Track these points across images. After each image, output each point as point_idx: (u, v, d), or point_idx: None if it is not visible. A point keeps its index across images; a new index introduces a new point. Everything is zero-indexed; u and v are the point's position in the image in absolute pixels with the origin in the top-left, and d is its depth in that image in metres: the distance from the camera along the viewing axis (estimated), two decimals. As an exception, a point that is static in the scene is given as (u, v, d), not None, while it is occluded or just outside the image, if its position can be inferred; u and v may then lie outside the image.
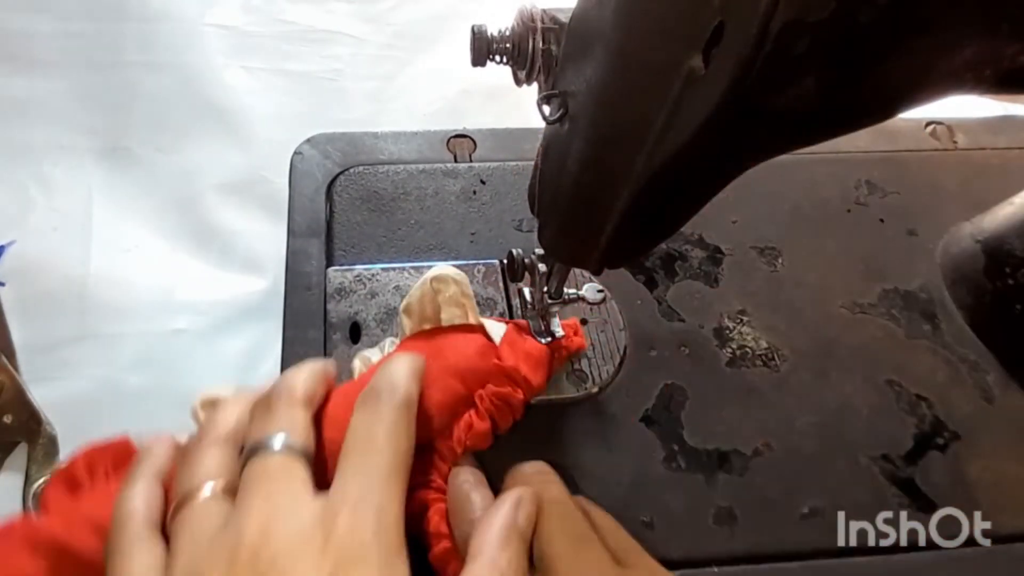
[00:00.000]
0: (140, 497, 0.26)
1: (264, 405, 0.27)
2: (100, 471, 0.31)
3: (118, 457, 0.31)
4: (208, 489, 0.25)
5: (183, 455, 0.27)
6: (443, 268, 0.36)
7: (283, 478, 0.24)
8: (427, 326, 0.37)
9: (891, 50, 0.17)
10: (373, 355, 0.38)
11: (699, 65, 0.19)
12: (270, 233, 0.49)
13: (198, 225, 0.51)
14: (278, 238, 0.46)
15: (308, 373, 0.29)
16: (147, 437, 0.30)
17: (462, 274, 0.37)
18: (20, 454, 0.40)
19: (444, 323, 0.36)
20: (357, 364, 0.38)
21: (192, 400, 0.32)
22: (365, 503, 0.23)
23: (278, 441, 0.25)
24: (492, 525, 0.27)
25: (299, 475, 0.25)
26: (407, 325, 0.37)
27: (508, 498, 0.29)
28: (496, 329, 0.38)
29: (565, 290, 0.39)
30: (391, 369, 0.29)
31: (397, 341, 0.38)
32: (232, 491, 0.25)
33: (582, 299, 0.40)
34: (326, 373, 0.31)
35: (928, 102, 0.19)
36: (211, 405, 0.32)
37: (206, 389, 0.32)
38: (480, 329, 0.37)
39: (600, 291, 0.42)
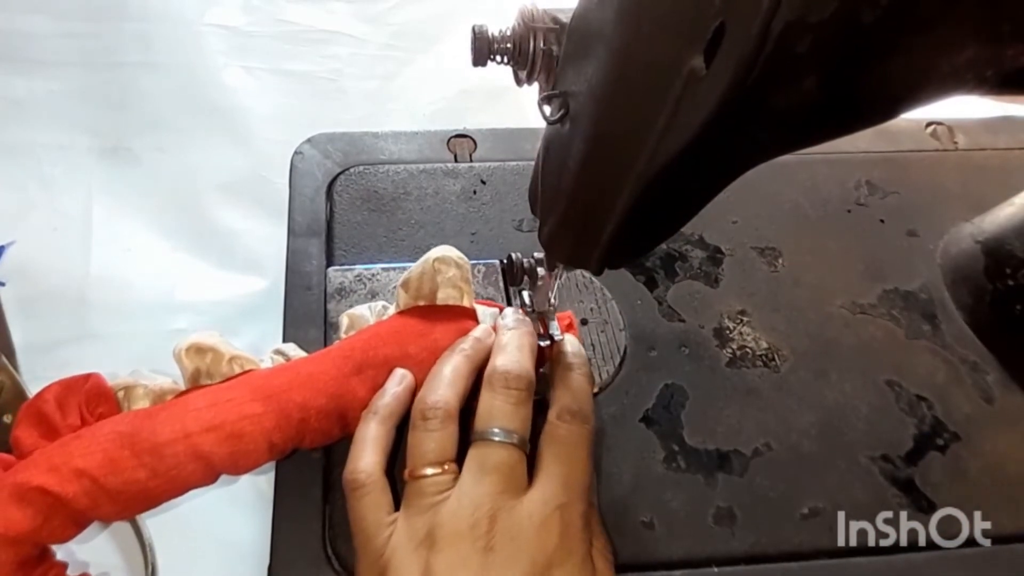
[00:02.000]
0: (374, 443, 0.31)
1: (491, 389, 0.32)
2: (73, 410, 0.31)
3: (91, 397, 0.32)
4: (436, 468, 0.29)
5: (414, 427, 0.31)
6: (447, 249, 0.37)
7: (509, 468, 0.29)
8: (422, 303, 0.37)
9: (892, 50, 0.17)
10: (363, 312, 0.38)
11: (700, 65, 0.19)
12: (270, 233, 0.49)
13: (198, 225, 0.51)
14: (278, 238, 0.46)
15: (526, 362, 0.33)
16: (132, 376, 0.33)
17: (464, 258, 0.37)
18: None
19: (439, 303, 0.37)
20: (344, 321, 0.38)
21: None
22: (571, 508, 0.28)
23: (500, 432, 0.30)
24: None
25: (520, 468, 0.30)
26: (402, 299, 0.37)
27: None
28: (487, 314, 0.38)
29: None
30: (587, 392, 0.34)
31: (391, 309, 0.38)
32: (455, 469, 0.30)
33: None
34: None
35: (929, 102, 0.19)
36: (195, 352, 0.34)
37: (192, 336, 0.34)
38: (473, 313, 0.37)
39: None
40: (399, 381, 0.34)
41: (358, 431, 0.32)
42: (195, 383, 0.34)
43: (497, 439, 0.30)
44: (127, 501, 0.30)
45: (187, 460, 0.30)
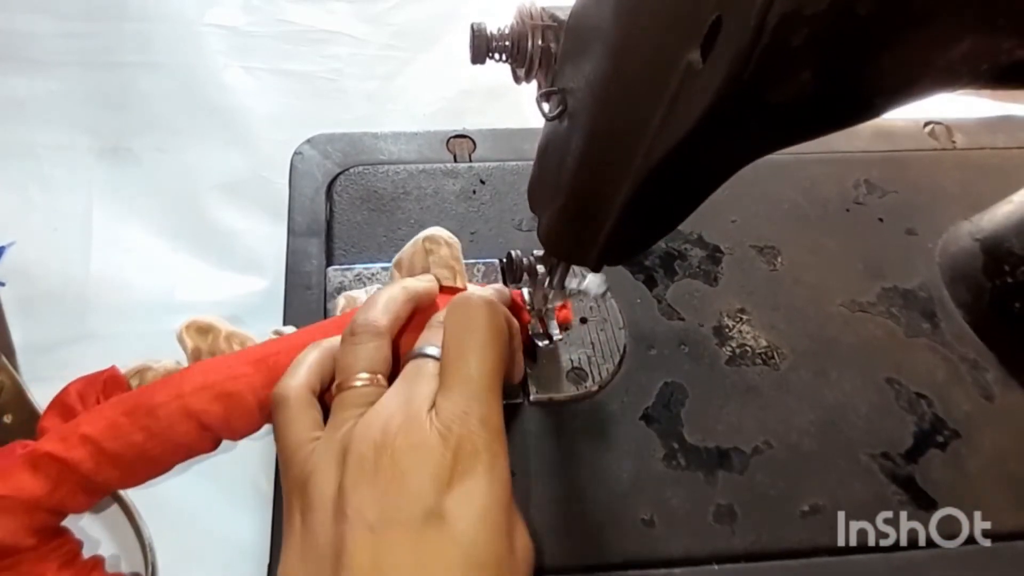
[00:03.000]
0: (310, 365, 0.30)
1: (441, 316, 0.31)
2: (92, 399, 0.32)
3: (108, 386, 0.33)
4: (364, 378, 0.29)
5: (343, 342, 0.31)
6: (437, 229, 0.37)
7: (431, 379, 0.28)
8: None
9: (888, 44, 0.17)
10: (359, 295, 0.38)
11: (697, 59, 0.19)
12: (270, 233, 0.49)
13: (198, 225, 0.51)
14: (278, 238, 0.46)
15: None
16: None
17: (454, 238, 0.37)
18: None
19: None
20: (341, 302, 0.38)
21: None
22: (476, 413, 0.27)
23: (435, 350, 0.29)
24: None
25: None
26: (396, 279, 0.37)
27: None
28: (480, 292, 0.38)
29: (568, 284, 0.39)
30: (471, 294, 0.32)
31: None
32: (384, 382, 0.29)
33: (584, 293, 0.40)
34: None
35: (925, 96, 0.19)
36: (196, 331, 0.35)
37: (194, 317, 0.35)
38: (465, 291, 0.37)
39: (603, 284, 0.41)
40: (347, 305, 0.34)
41: (294, 361, 0.31)
42: (197, 359, 0.34)
43: (430, 354, 0.29)
44: (128, 465, 0.30)
45: (179, 419, 0.31)
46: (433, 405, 0.27)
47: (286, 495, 0.28)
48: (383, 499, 0.25)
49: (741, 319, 0.43)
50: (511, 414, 0.38)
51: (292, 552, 0.26)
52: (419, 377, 0.28)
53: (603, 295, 0.42)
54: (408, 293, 0.33)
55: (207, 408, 0.31)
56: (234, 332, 0.35)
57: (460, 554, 0.25)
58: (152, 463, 0.31)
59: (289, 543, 0.27)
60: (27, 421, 0.40)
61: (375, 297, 0.32)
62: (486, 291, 0.37)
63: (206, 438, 0.32)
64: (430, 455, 0.26)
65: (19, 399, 0.41)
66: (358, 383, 0.29)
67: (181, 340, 0.35)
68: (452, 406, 0.27)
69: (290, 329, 0.38)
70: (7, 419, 0.40)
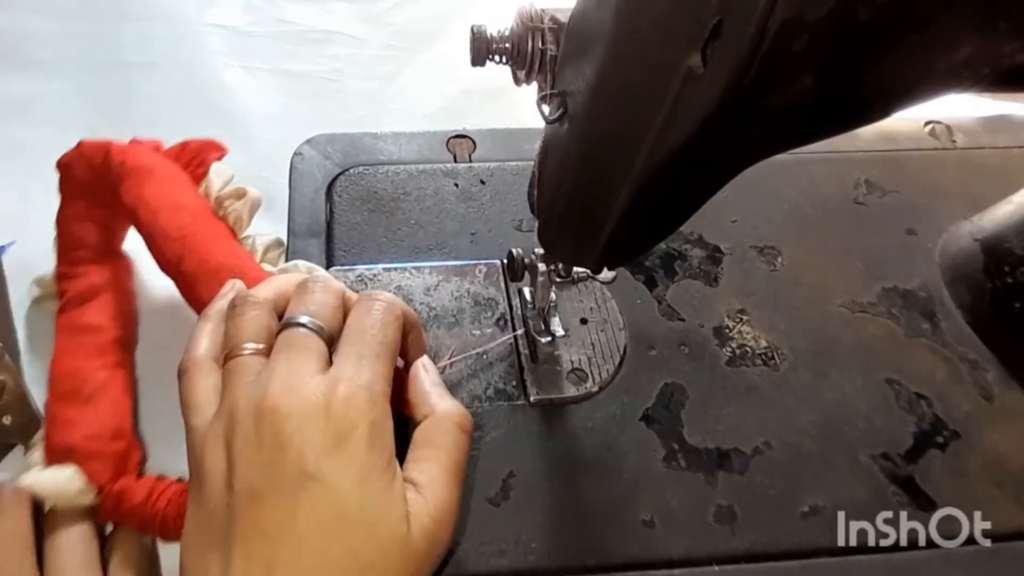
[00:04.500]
0: (207, 335, 0.31)
1: (303, 288, 0.32)
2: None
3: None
4: (250, 347, 0.30)
5: (229, 314, 0.31)
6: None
7: (305, 349, 0.29)
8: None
9: (889, 48, 0.17)
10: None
11: (698, 64, 0.19)
12: (270, 233, 0.49)
13: (198, 225, 0.51)
14: (278, 238, 0.46)
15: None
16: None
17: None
18: (17, 455, 0.40)
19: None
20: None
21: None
22: (358, 379, 0.28)
23: (307, 319, 0.30)
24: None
25: (318, 350, 0.29)
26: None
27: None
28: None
29: (575, 270, 0.39)
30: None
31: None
32: (266, 352, 0.30)
33: (592, 278, 0.40)
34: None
35: (926, 100, 0.19)
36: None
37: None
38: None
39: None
40: (231, 287, 0.34)
41: (193, 331, 0.32)
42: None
43: (302, 323, 0.30)
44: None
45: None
46: (318, 374, 0.28)
47: (190, 465, 0.29)
48: (265, 468, 0.26)
49: (741, 319, 0.43)
50: (512, 414, 0.38)
51: (192, 523, 0.27)
52: (295, 347, 0.29)
53: (612, 281, 0.43)
54: (289, 281, 0.34)
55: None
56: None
57: (335, 512, 0.26)
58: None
59: (190, 514, 0.28)
60: (26, 424, 0.40)
61: (265, 281, 0.34)
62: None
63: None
64: (311, 422, 0.26)
65: (20, 401, 0.41)
66: (245, 351, 0.30)
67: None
68: (339, 374, 0.28)
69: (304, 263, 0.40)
70: (6, 420, 0.40)
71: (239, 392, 0.28)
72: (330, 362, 0.30)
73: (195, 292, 0.36)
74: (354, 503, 0.26)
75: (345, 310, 0.32)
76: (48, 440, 0.36)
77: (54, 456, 0.36)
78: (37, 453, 0.36)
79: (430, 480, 0.29)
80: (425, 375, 0.34)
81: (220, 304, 0.33)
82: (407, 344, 0.34)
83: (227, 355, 0.30)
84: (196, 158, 0.42)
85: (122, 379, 0.39)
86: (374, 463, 0.27)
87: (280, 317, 0.31)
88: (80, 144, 0.41)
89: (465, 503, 0.35)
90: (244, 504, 0.26)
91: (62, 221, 0.42)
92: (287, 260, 0.44)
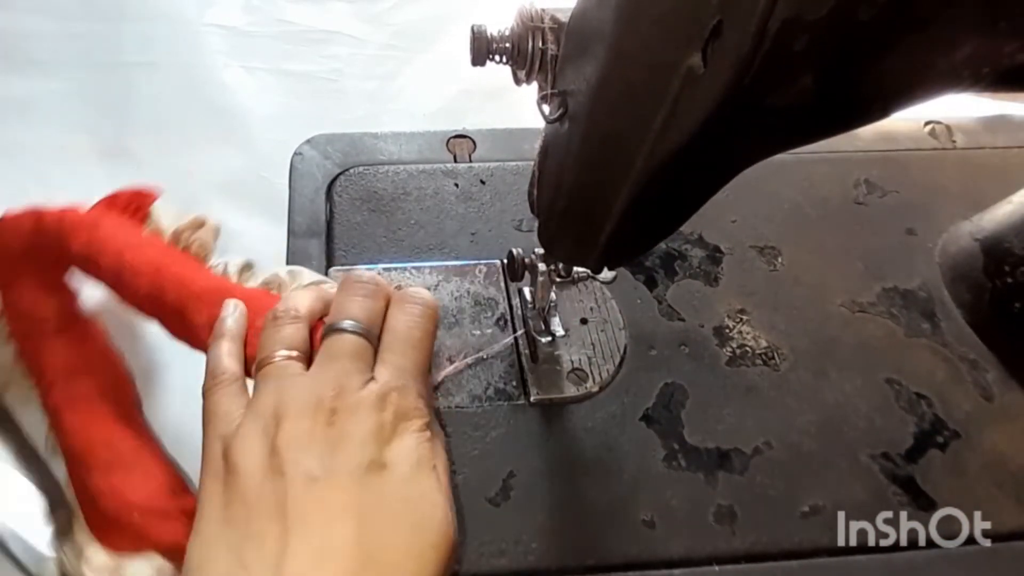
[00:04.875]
0: (226, 355, 0.32)
1: (346, 288, 0.33)
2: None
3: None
4: (283, 354, 0.30)
5: (266, 326, 0.32)
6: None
7: (352, 353, 0.30)
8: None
9: (889, 48, 0.17)
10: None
11: (698, 63, 0.19)
12: (270, 233, 0.49)
13: (198, 225, 0.51)
14: (278, 238, 0.46)
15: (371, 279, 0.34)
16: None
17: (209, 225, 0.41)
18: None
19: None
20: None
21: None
22: (403, 380, 0.30)
23: (350, 323, 0.31)
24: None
25: (365, 353, 0.30)
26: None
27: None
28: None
29: (575, 269, 0.39)
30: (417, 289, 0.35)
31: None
32: (303, 360, 0.31)
33: (593, 278, 0.40)
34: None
35: (926, 100, 0.19)
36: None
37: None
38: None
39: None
40: (234, 308, 0.34)
41: (209, 353, 0.33)
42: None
43: (347, 328, 0.31)
44: None
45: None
46: (370, 378, 0.29)
47: (204, 468, 0.29)
48: (325, 455, 0.27)
49: (741, 319, 0.43)
50: (512, 414, 0.38)
51: (211, 521, 0.27)
52: (342, 351, 0.30)
53: (612, 281, 0.43)
54: (320, 292, 0.35)
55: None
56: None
57: (401, 494, 0.27)
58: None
59: (207, 512, 0.28)
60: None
61: (296, 291, 0.35)
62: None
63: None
64: (369, 416, 0.28)
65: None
66: (278, 358, 0.30)
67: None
68: (391, 379, 0.29)
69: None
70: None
71: (283, 389, 0.29)
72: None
73: (184, 320, 0.35)
74: (415, 487, 0.27)
75: (387, 302, 0.33)
76: (99, 512, 0.34)
77: (110, 527, 0.34)
78: (81, 535, 0.35)
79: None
80: None
81: (228, 324, 0.33)
82: None
83: (260, 363, 0.31)
84: (131, 206, 0.40)
85: (151, 439, 0.38)
86: (427, 455, 0.28)
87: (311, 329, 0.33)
88: (2, 220, 0.39)
89: (465, 503, 0.35)
90: (300, 485, 0.26)
91: (9, 304, 0.39)
92: (287, 262, 0.44)
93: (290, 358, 0.30)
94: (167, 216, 0.40)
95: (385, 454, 0.27)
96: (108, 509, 0.34)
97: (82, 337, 0.39)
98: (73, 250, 0.37)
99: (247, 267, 0.40)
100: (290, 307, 0.32)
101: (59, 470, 0.37)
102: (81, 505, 0.35)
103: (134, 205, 0.40)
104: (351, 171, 0.48)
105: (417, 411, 0.29)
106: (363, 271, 0.35)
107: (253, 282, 0.40)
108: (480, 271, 0.43)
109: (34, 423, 0.39)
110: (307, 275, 0.39)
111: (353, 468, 0.27)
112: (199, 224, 0.40)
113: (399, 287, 0.35)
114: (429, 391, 0.31)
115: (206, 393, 0.31)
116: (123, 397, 0.38)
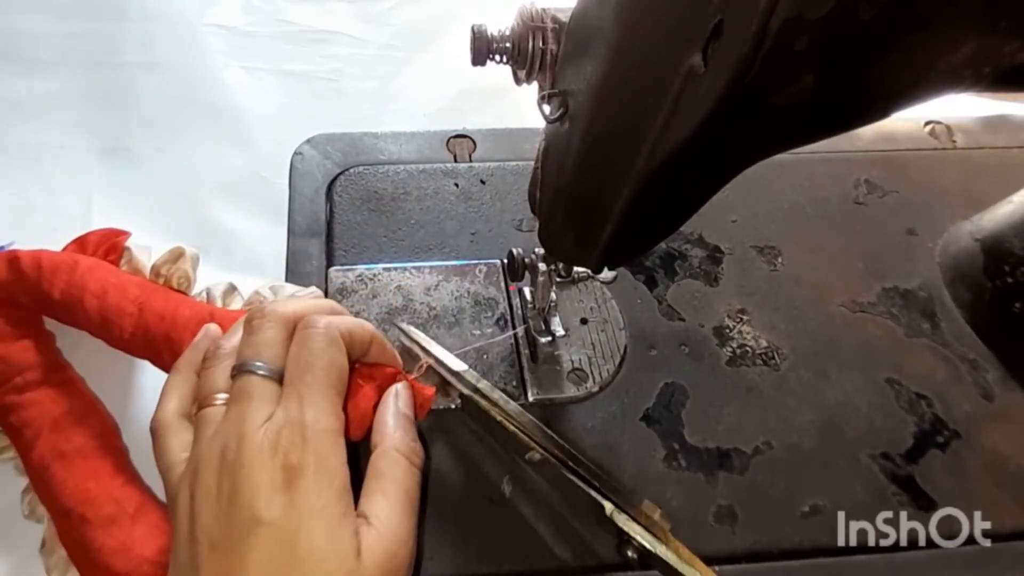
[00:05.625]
0: (175, 391, 0.32)
1: (248, 328, 0.32)
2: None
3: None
4: (221, 398, 0.30)
5: (205, 364, 0.32)
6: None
7: (255, 396, 0.29)
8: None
9: (890, 47, 0.17)
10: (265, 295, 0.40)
11: (699, 63, 0.19)
12: (270, 233, 0.49)
13: (198, 225, 0.51)
14: (278, 238, 0.46)
15: (293, 303, 0.33)
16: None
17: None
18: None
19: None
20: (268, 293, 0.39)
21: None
22: (302, 419, 0.28)
23: (255, 363, 0.30)
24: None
25: (269, 394, 0.29)
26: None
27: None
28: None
29: (575, 269, 0.39)
30: (317, 306, 0.34)
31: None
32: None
33: (593, 278, 0.40)
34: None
35: (927, 99, 0.19)
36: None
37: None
38: None
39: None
40: (203, 335, 0.35)
41: (163, 387, 0.33)
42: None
43: (249, 369, 0.30)
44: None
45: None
46: (267, 419, 0.28)
47: (171, 517, 0.30)
48: (220, 517, 0.27)
49: (741, 319, 0.43)
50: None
51: (173, 571, 0.28)
52: (246, 396, 0.29)
53: (612, 281, 0.43)
54: (278, 316, 0.32)
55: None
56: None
57: (284, 553, 0.26)
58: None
59: (171, 563, 0.29)
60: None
61: (236, 326, 0.33)
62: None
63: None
64: (258, 468, 0.27)
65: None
66: (217, 402, 0.30)
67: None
68: (284, 415, 0.28)
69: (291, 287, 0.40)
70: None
71: (203, 444, 0.29)
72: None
73: (174, 354, 0.35)
74: (303, 542, 0.26)
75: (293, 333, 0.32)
76: (102, 568, 0.33)
77: None
78: None
79: (382, 512, 0.29)
80: (391, 403, 0.33)
81: (189, 355, 0.33)
82: (371, 358, 0.33)
83: (199, 406, 0.31)
84: (103, 246, 0.40)
85: (146, 489, 0.36)
86: (323, 501, 0.27)
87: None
88: None
89: (465, 503, 0.35)
90: (205, 554, 0.27)
91: None
92: (287, 261, 0.44)
93: (226, 403, 0.30)
94: (142, 253, 0.40)
95: (271, 509, 0.27)
96: (116, 566, 0.33)
97: (66, 386, 0.38)
98: (54, 296, 0.36)
99: (231, 290, 0.40)
100: (225, 346, 0.32)
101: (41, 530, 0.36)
102: (77, 562, 0.34)
103: (106, 246, 0.40)
104: (351, 171, 0.48)
105: (310, 450, 0.28)
106: (267, 303, 0.33)
107: (237, 303, 0.40)
108: (480, 271, 0.43)
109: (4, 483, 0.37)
110: (288, 288, 0.40)
111: (240, 530, 0.26)
112: (177, 255, 0.40)
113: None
114: (338, 415, 0.30)
115: (152, 435, 0.31)
116: (115, 447, 0.37)
